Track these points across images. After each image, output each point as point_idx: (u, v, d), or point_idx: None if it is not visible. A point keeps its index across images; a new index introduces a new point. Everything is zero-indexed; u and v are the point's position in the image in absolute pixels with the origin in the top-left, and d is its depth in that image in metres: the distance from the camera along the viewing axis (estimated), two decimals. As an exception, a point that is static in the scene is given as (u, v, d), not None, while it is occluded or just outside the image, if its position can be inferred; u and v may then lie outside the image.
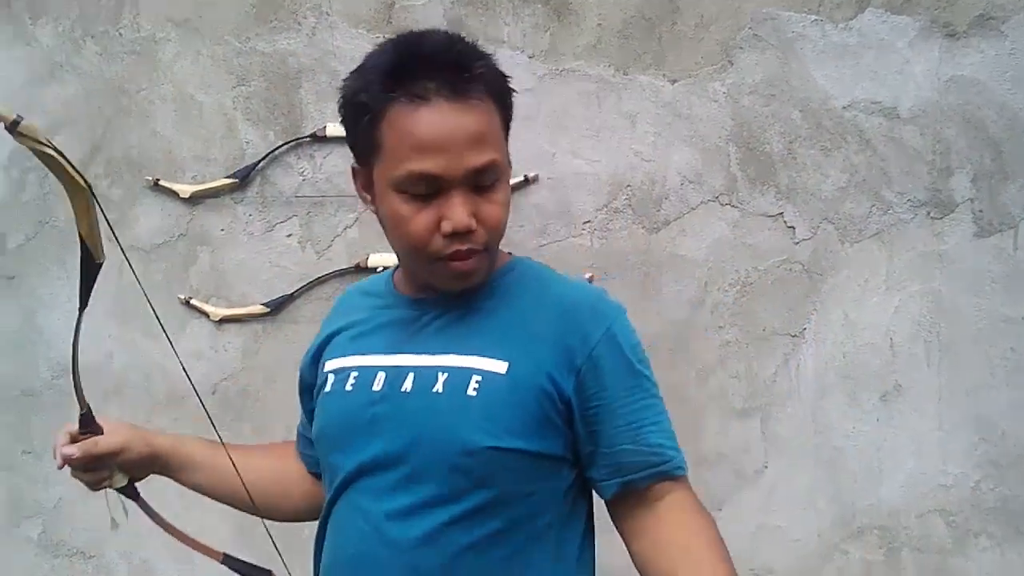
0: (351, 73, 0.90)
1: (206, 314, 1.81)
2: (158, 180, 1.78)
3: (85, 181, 0.77)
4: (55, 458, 0.96)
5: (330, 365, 0.97)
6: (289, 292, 1.80)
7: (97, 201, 0.79)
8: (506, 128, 0.90)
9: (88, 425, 0.95)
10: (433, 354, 0.90)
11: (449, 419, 0.87)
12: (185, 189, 1.77)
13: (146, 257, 1.81)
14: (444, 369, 0.88)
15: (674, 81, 1.72)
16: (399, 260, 0.96)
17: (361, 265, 1.79)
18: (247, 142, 1.77)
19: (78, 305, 0.89)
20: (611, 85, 1.73)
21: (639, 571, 0.92)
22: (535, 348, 0.89)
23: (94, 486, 1.00)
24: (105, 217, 0.82)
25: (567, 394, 0.89)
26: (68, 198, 0.79)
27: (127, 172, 1.79)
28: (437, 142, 0.83)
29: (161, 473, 1.03)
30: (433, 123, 0.83)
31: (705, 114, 1.72)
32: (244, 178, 1.77)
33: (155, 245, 1.81)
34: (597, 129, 1.74)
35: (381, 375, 0.91)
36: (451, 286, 0.90)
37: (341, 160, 1.78)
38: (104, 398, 1.85)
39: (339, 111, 0.91)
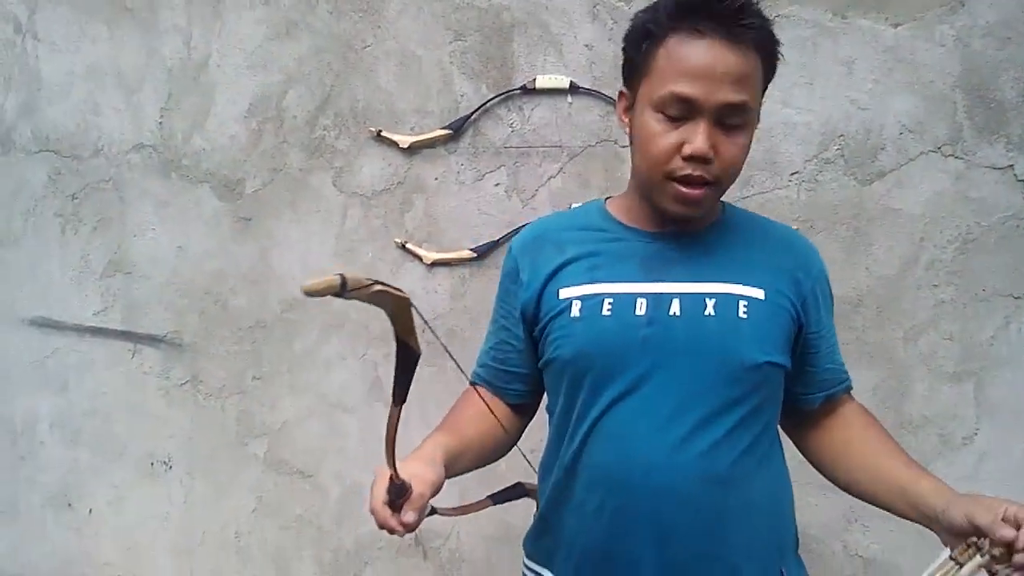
0: (645, 7, 1.04)
1: (419, 257, 1.98)
2: (380, 131, 1.95)
3: (401, 291, 0.82)
4: (391, 530, 0.96)
5: (570, 292, 1.09)
6: (495, 239, 1.94)
7: (415, 307, 0.85)
8: (764, 88, 1.03)
9: (402, 489, 0.94)
10: (693, 282, 1.04)
11: (725, 338, 1.02)
12: (404, 140, 1.94)
13: (367, 203, 2.00)
14: (711, 295, 1.03)
15: (897, 25, 1.70)
16: (637, 184, 1.09)
17: (564, 214, 1.89)
18: (462, 95, 1.91)
19: (392, 398, 0.91)
20: (828, 30, 1.73)
21: (829, 462, 1.15)
22: (776, 277, 1.07)
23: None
24: (420, 314, 0.86)
25: (801, 319, 1.08)
26: (388, 316, 0.83)
27: (352, 124, 1.98)
28: (701, 70, 0.96)
29: None
30: (703, 54, 0.96)
31: (930, 59, 1.69)
32: (458, 129, 1.91)
33: (376, 192, 1.99)
34: (811, 76, 1.74)
35: (642, 301, 1.04)
36: (674, 209, 1.03)
37: (548, 112, 1.89)
38: (325, 331, 2.07)
39: (624, 40, 1.06)
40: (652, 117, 1.00)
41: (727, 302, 1.03)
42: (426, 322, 0.89)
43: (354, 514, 2.11)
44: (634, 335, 1.03)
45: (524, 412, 1.24)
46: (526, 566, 1.21)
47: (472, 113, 1.90)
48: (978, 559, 0.88)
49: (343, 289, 0.74)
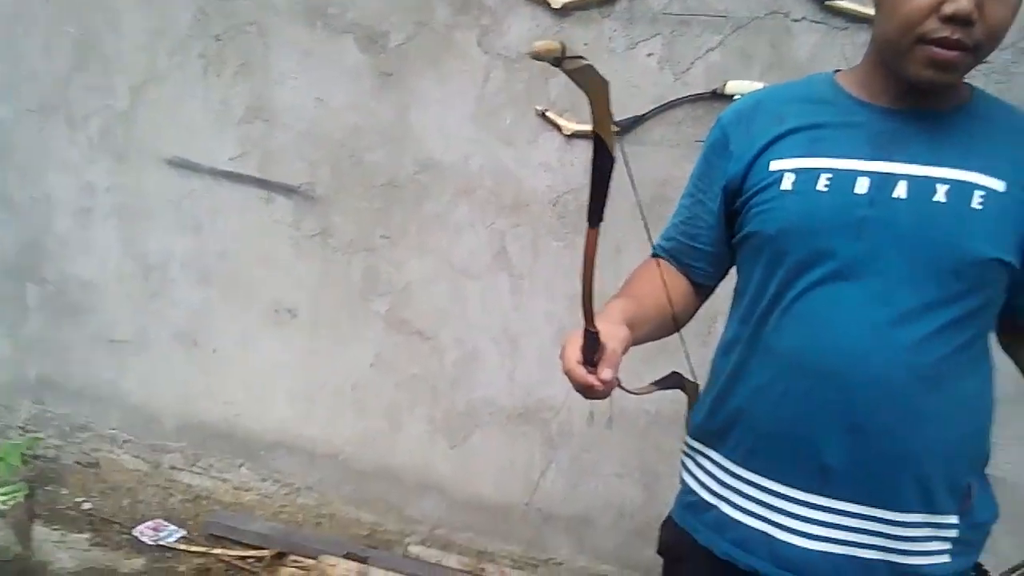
0: None
1: (558, 127, 2.00)
2: (533, -11, 1.94)
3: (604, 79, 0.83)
4: (590, 389, 0.95)
5: (783, 164, 1.06)
6: (641, 113, 1.93)
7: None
8: None
9: (596, 342, 0.94)
10: (925, 164, 1.00)
11: (955, 228, 0.98)
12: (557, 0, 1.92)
13: (511, 66, 2.03)
14: (943, 180, 0.99)
15: None
16: (877, 52, 1.04)
17: (718, 91, 1.88)
18: (623, -46, 1.88)
19: (588, 218, 0.89)
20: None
21: None
22: (1021, 171, 1.00)
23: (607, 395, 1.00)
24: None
25: None
26: (589, 99, 0.84)
27: (505, -21, 1.98)
28: None
29: None
30: None
31: None
32: (615, -9, 1.89)
33: (521, 55, 2.01)
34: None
35: (864, 180, 1.01)
36: (925, 75, 0.98)
37: (715, -21, 1.84)
38: (456, 196, 2.14)
39: None
40: None
41: (961, 190, 0.98)
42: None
43: (469, 378, 2.23)
44: (851, 215, 1.00)
45: (704, 291, 1.24)
46: (688, 445, 1.22)
47: (632, -25, 1.88)
48: None
49: (561, 57, 0.78)
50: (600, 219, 0.90)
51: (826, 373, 1.01)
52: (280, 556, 2.33)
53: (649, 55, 1.92)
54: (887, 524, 1.03)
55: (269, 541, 2.36)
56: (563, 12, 1.94)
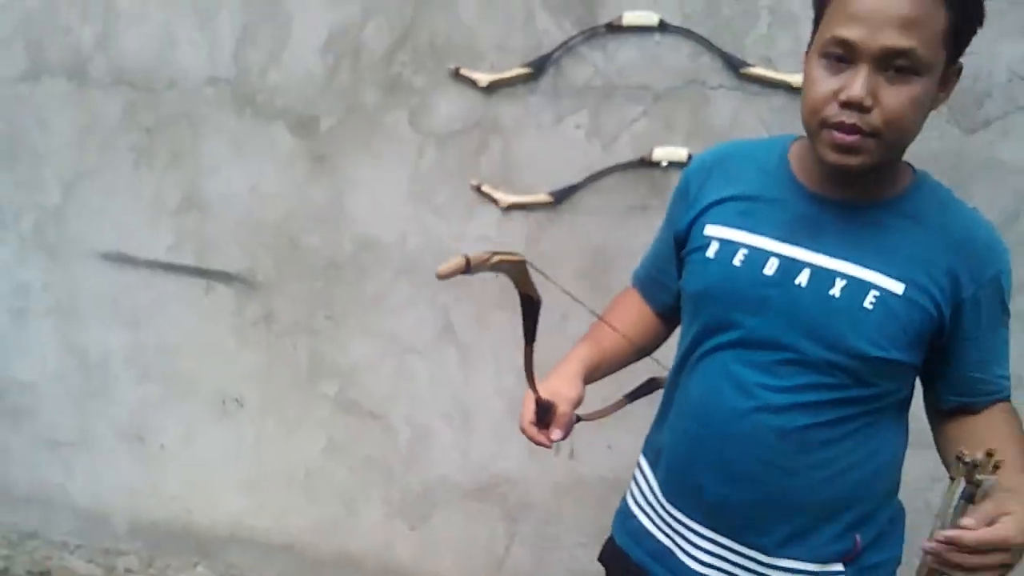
0: None
1: (494, 201, 2.05)
2: (459, 69, 2.01)
3: (517, 255, 0.97)
4: (540, 444, 1.15)
5: (714, 231, 1.17)
6: (573, 183, 1.99)
7: (530, 264, 1.00)
8: (956, 37, 1.00)
9: (547, 408, 1.13)
10: (831, 256, 1.08)
11: (843, 325, 1.06)
12: (483, 78, 1.99)
13: (443, 143, 2.07)
14: (842, 276, 1.07)
15: (1015, -36, 1.68)
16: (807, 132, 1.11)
17: (645, 159, 1.94)
18: (544, 31, 1.95)
19: (524, 339, 1.10)
20: (939, -31, 1.71)
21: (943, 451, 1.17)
22: (927, 273, 1.07)
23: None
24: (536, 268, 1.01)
25: (945, 321, 1.08)
26: (510, 278, 1.01)
27: (430, 60, 2.04)
28: (863, 13, 0.98)
29: None
30: None
31: (1049, 1, 1.67)
32: (539, 68, 1.96)
33: (451, 132, 2.06)
34: (917, 18, 1.74)
35: (774, 261, 1.11)
36: (831, 158, 1.04)
37: (634, 51, 1.92)
38: (397, 274, 2.17)
39: None
40: (817, 62, 1.03)
41: (856, 288, 1.06)
42: (544, 274, 1.02)
43: (423, 457, 2.24)
44: (757, 292, 1.10)
45: (672, 321, 1.36)
46: (640, 459, 1.36)
47: (554, 51, 1.95)
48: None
49: (468, 267, 0.90)
50: (534, 339, 1.11)
51: (710, 424, 1.15)
52: (240, 656, 2.29)
53: (577, 127, 1.98)
54: (770, 568, 1.15)
55: (230, 640, 2.34)
56: (490, 90, 2.01)
